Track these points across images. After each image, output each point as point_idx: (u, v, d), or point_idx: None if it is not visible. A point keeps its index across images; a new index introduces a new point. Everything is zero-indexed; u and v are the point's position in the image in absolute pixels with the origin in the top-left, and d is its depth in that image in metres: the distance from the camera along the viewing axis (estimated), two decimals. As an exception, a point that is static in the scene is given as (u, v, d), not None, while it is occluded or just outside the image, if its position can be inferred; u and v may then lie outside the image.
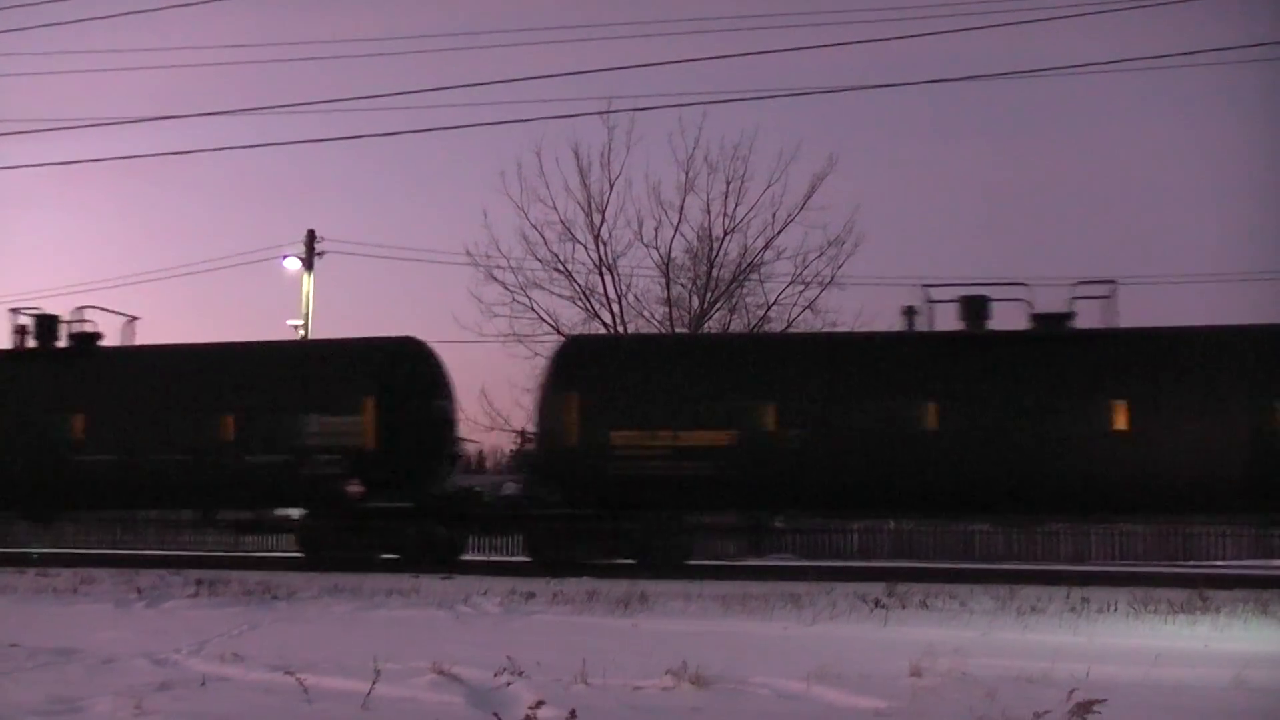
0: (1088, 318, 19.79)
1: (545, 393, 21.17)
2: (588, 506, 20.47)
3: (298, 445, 20.95)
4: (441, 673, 8.27)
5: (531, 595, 14.92)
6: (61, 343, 23.50)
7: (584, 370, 21.03)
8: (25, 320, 23.50)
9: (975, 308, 19.99)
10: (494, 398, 45.52)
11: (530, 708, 6.46)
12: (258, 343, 24.29)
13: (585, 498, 20.49)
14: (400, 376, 21.77)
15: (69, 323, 23.61)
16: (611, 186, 34.41)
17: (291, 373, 22.05)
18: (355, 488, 20.66)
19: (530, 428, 22.84)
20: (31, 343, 23.53)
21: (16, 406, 22.72)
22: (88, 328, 23.61)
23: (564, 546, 20.41)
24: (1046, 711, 6.56)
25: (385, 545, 21.24)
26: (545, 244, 34.23)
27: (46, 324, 23.57)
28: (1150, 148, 66.58)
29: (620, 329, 33.51)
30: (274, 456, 21.02)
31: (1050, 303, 19.76)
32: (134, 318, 24.10)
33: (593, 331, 32.98)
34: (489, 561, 22.19)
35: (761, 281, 34.74)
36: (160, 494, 22.57)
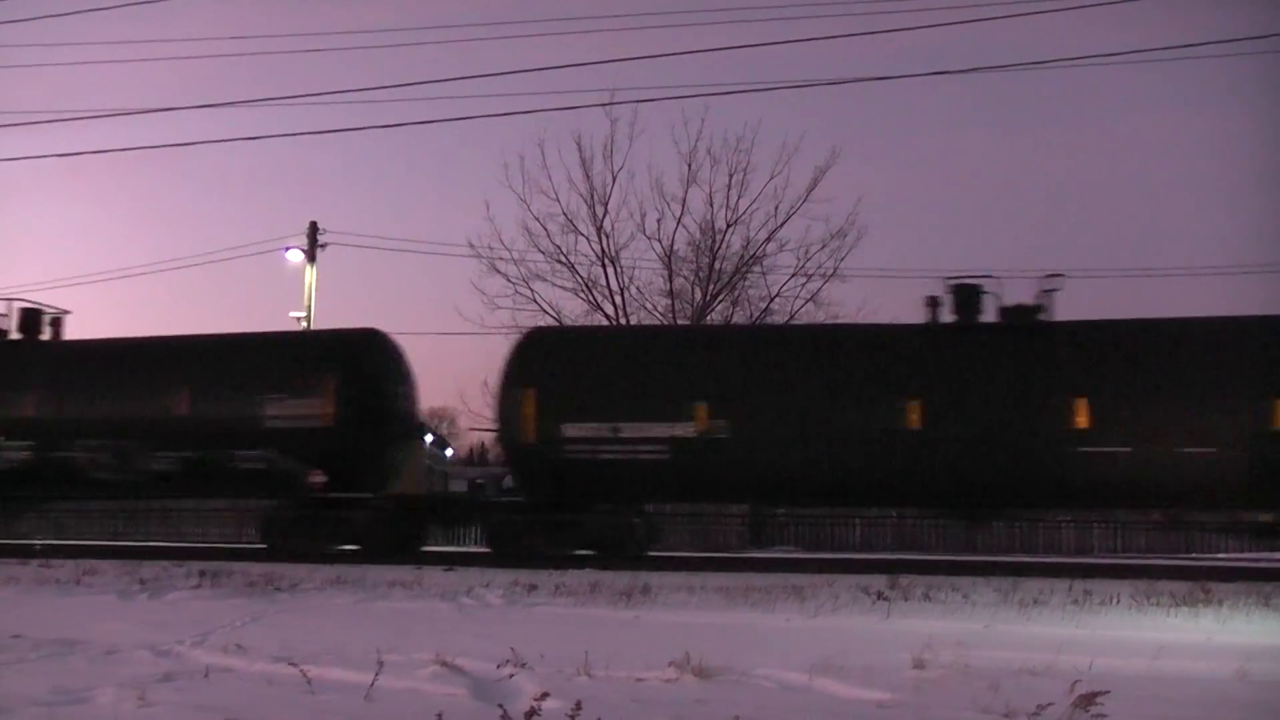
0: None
1: (502, 386, 21.42)
2: (543, 497, 20.78)
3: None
4: (444, 664, 8.27)
5: (534, 587, 14.93)
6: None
7: (539, 364, 21.29)
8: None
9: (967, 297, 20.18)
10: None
11: (535, 699, 6.45)
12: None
13: (540, 488, 20.85)
14: (364, 366, 22.02)
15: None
16: (614, 179, 34.49)
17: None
18: (316, 477, 20.98)
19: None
20: None
21: None
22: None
23: (521, 538, 20.57)
24: (1049, 704, 6.55)
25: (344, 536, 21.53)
26: (548, 236, 34.29)
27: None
28: (1157, 139, 66.60)
29: (623, 321, 33.54)
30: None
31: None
32: (65, 312, 24.63)
33: (595, 323, 33.03)
34: (449, 552, 22.29)
35: (764, 274, 34.80)
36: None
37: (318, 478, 20.85)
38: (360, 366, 21.89)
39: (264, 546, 21.95)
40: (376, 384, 22.00)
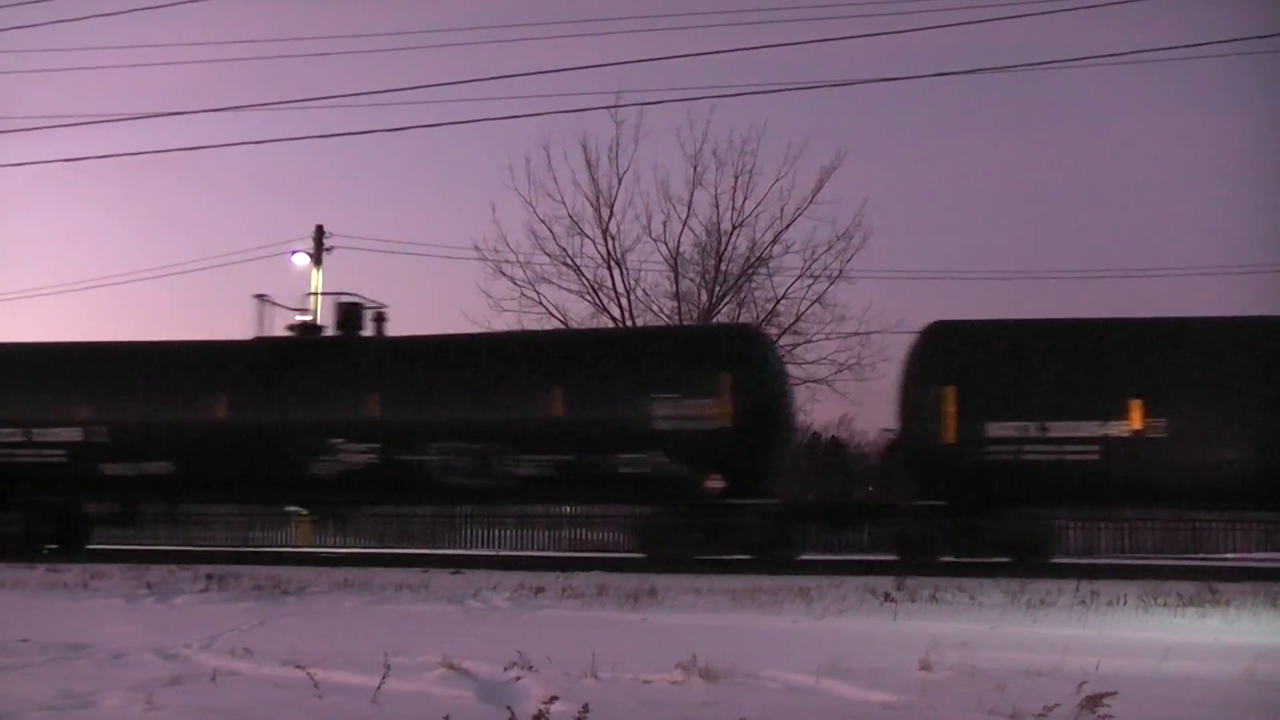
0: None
1: (912, 382, 20.21)
2: (955, 501, 19.51)
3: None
4: (452, 667, 8.27)
5: (541, 590, 14.94)
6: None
7: (958, 359, 20.16)
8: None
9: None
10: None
11: (543, 702, 6.45)
12: None
13: (957, 491, 19.55)
14: (756, 363, 21.03)
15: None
16: (620, 181, 34.50)
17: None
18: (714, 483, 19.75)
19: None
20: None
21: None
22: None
23: (934, 544, 19.49)
24: (1056, 705, 6.55)
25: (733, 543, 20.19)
26: (554, 238, 34.29)
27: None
28: (1160, 140, 66.50)
29: (629, 323, 33.54)
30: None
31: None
32: (385, 306, 23.65)
33: (603, 325, 33.01)
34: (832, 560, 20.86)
35: (770, 275, 34.82)
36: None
37: (715, 482, 19.69)
38: (753, 363, 20.92)
39: (641, 555, 20.66)
40: (767, 381, 21.03)
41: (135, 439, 21.99)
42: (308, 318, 23.36)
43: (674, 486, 19.83)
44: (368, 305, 23.33)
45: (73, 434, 22.21)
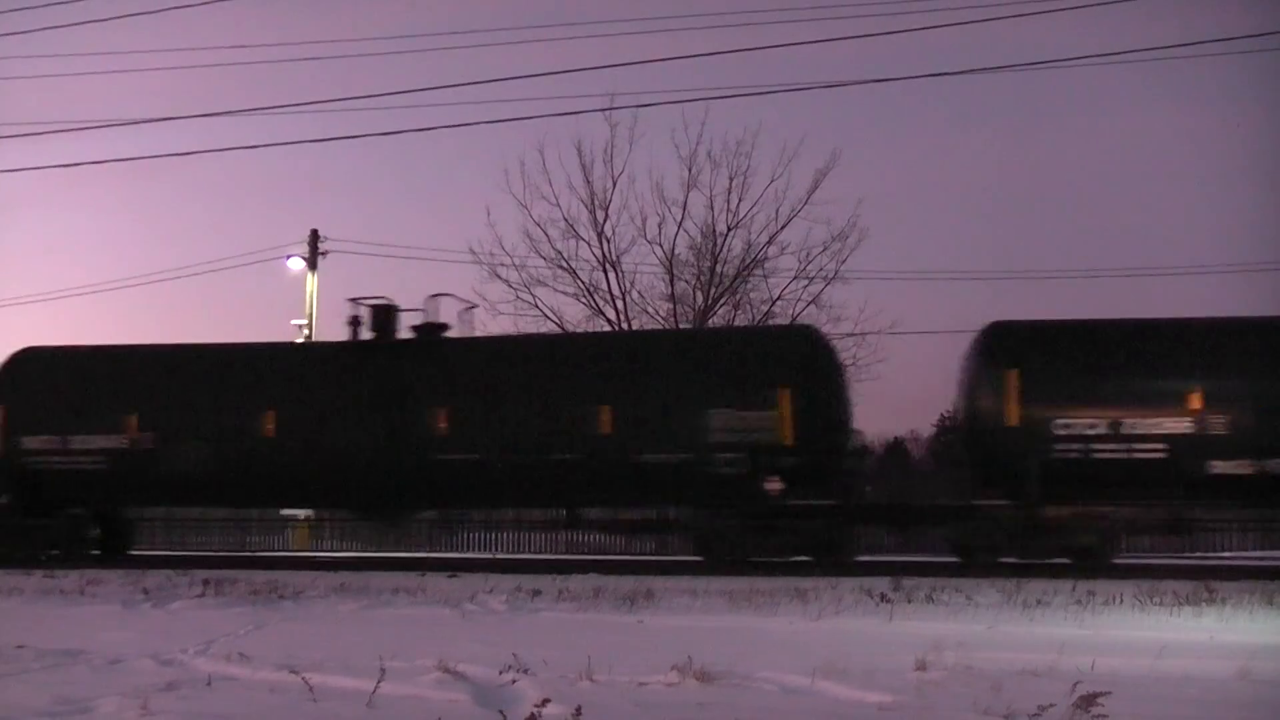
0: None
1: (975, 376, 20.22)
2: (1023, 498, 19.31)
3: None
4: (447, 670, 8.28)
5: (537, 593, 14.94)
6: (404, 334, 22.44)
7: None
8: (361, 311, 22.29)
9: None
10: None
11: (536, 705, 6.47)
12: None
13: (1021, 488, 19.29)
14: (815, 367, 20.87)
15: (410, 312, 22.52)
16: (614, 183, 34.56)
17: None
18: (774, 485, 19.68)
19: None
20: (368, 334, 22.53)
21: (355, 400, 21.68)
22: (433, 318, 22.49)
23: (1000, 543, 19.29)
24: (1051, 705, 6.57)
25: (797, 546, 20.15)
26: (549, 241, 34.36)
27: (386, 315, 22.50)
28: (1156, 139, 66.55)
29: (625, 325, 33.54)
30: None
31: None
32: (472, 305, 23.41)
33: (599, 329, 32.98)
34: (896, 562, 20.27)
35: (765, 277, 34.84)
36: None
37: (775, 484, 19.50)
38: (814, 365, 20.67)
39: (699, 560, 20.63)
40: (828, 383, 20.80)
41: (269, 446, 21.66)
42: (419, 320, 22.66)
43: (733, 488, 19.72)
44: (459, 302, 23.15)
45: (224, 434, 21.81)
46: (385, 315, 22.34)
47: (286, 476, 21.74)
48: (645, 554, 25.86)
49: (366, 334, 22.40)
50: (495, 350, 23.26)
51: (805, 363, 20.50)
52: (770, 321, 33.40)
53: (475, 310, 23.74)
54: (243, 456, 21.65)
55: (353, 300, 22.43)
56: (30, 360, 23.52)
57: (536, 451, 20.36)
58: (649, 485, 20.35)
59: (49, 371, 23.29)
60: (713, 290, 34.46)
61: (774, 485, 19.50)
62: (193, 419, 21.99)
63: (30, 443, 22.34)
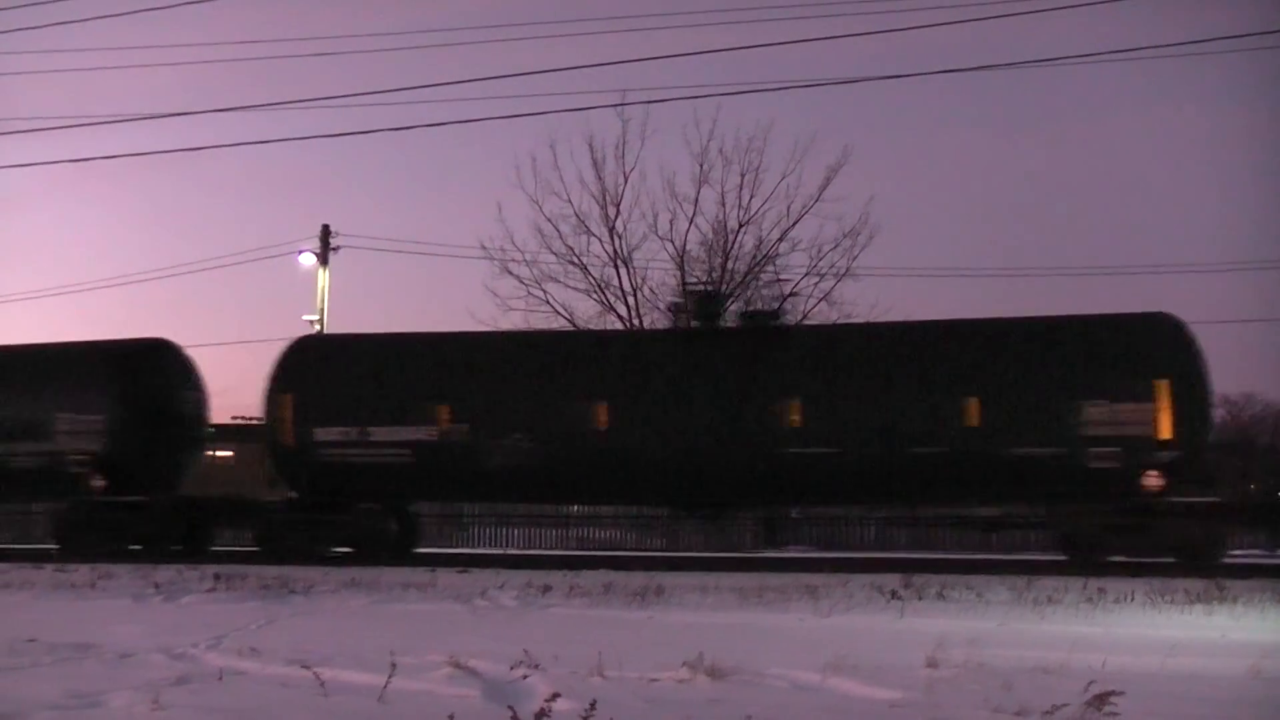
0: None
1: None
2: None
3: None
4: (458, 666, 8.28)
5: (548, 588, 14.95)
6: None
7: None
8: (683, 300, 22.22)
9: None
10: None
11: (546, 700, 6.46)
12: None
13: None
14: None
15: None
16: (626, 179, 34.56)
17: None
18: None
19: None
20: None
21: (695, 392, 20.96)
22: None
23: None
24: (1064, 704, 6.54)
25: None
26: (560, 237, 34.40)
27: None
28: (1168, 136, 66.37)
29: (636, 322, 33.57)
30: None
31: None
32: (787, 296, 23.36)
33: (608, 327, 33.02)
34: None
35: (777, 273, 34.79)
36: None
37: (1153, 480, 18.99)
38: (1187, 357, 19.77)
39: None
40: (1198, 374, 19.76)
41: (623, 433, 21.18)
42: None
43: (1105, 483, 19.19)
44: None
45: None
46: (712, 303, 22.12)
47: (619, 472, 21.05)
48: (655, 550, 25.90)
49: (692, 323, 22.17)
50: (848, 339, 22.50)
51: (1181, 353, 19.75)
52: (781, 319, 33.42)
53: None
54: (571, 451, 21.05)
55: (682, 286, 22.56)
56: (315, 348, 23.93)
57: (897, 444, 19.78)
58: (1015, 480, 19.75)
59: (339, 360, 22.90)
60: (724, 286, 34.44)
61: (1153, 481, 19.00)
62: (513, 411, 21.34)
63: (324, 434, 21.82)
